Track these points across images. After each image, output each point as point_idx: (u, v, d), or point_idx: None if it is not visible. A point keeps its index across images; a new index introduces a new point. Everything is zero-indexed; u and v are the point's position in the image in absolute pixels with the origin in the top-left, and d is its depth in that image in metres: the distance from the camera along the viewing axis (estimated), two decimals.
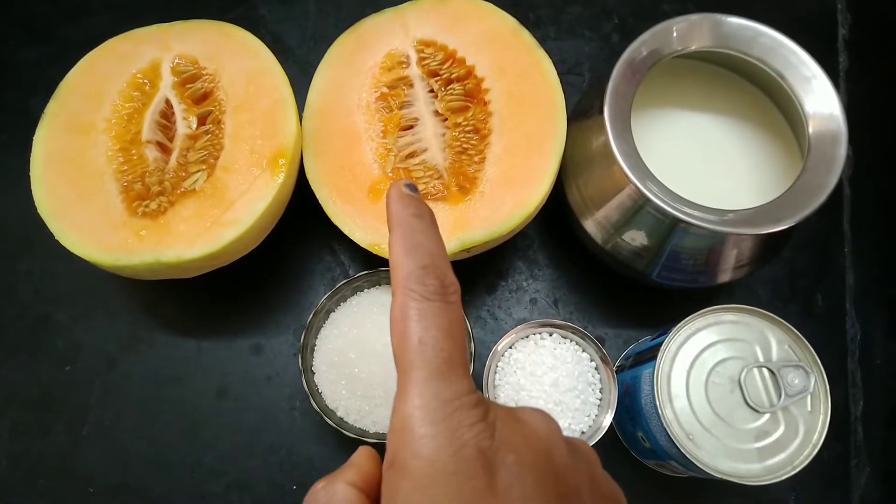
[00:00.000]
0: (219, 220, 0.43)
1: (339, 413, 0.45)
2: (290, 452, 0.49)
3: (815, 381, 0.40)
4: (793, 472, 0.39)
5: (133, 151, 0.47)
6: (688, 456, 0.39)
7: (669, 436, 0.39)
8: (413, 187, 0.30)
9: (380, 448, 0.47)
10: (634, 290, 0.53)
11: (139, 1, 0.61)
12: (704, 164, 0.48)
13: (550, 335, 0.45)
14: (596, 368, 0.45)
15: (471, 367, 0.45)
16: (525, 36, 0.47)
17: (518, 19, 0.48)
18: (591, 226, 0.47)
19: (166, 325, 0.52)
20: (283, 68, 0.48)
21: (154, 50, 0.49)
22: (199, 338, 0.52)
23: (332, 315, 0.48)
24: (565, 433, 0.43)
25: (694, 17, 0.44)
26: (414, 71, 0.49)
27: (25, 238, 0.53)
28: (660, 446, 0.42)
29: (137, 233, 0.43)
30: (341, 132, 0.47)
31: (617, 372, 0.49)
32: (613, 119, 0.42)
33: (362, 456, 0.27)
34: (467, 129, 0.47)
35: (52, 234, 0.44)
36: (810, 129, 0.42)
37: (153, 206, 0.44)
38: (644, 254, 0.45)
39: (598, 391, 0.44)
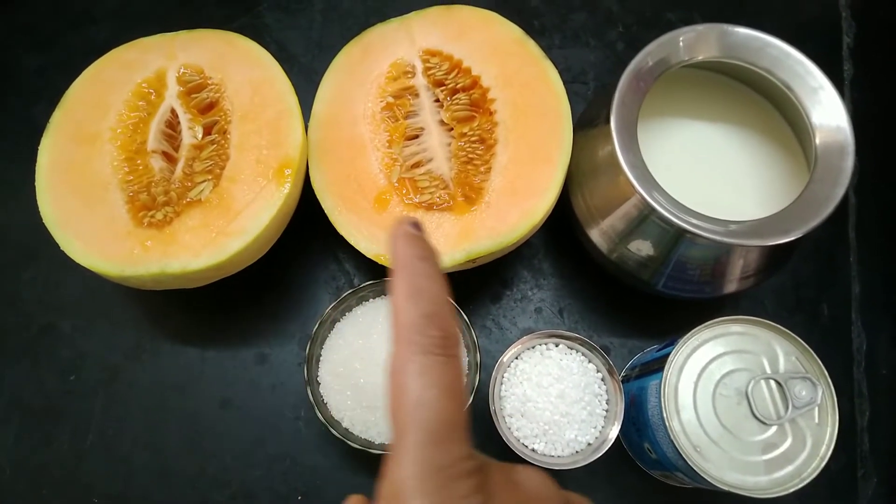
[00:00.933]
0: (224, 231, 0.43)
1: (345, 424, 0.45)
2: (295, 462, 0.49)
3: (822, 392, 0.40)
4: (800, 485, 0.38)
5: (138, 161, 0.46)
6: (695, 468, 0.38)
7: (676, 448, 0.39)
8: (418, 225, 0.29)
9: (384, 457, 0.47)
10: (640, 299, 0.52)
11: (143, 10, 0.61)
12: (711, 175, 0.48)
13: (557, 346, 0.45)
14: (602, 379, 0.44)
15: (476, 378, 0.45)
16: (531, 46, 0.47)
17: (522, 27, 0.48)
18: (597, 235, 0.47)
19: (170, 334, 0.52)
20: (288, 77, 0.48)
21: (159, 59, 0.49)
22: (204, 347, 0.52)
23: (338, 325, 0.48)
24: (571, 445, 0.43)
25: (701, 28, 0.44)
26: (419, 80, 0.49)
27: (30, 247, 0.53)
28: (666, 458, 0.42)
29: (143, 243, 0.43)
30: (347, 142, 0.47)
31: (623, 382, 0.48)
32: (620, 129, 0.42)
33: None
34: (473, 138, 0.47)
35: (56, 243, 0.44)
36: (817, 141, 0.42)
37: (159, 216, 0.44)
38: (650, 264, 0.45)
39: (604, 402, 0.44)
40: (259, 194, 0.44)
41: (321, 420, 0.44)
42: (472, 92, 0.48)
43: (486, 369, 0.48)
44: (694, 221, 0.40)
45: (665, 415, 0.39)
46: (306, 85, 0.50)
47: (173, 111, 0.48)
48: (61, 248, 0.44)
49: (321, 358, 0.47)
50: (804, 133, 0.44)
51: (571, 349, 0.45)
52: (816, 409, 0.40)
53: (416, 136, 0.48)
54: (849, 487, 0.50)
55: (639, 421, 0.44)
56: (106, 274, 0.43)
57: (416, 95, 0.49)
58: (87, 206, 0.45)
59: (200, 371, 0.51)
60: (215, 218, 0.44)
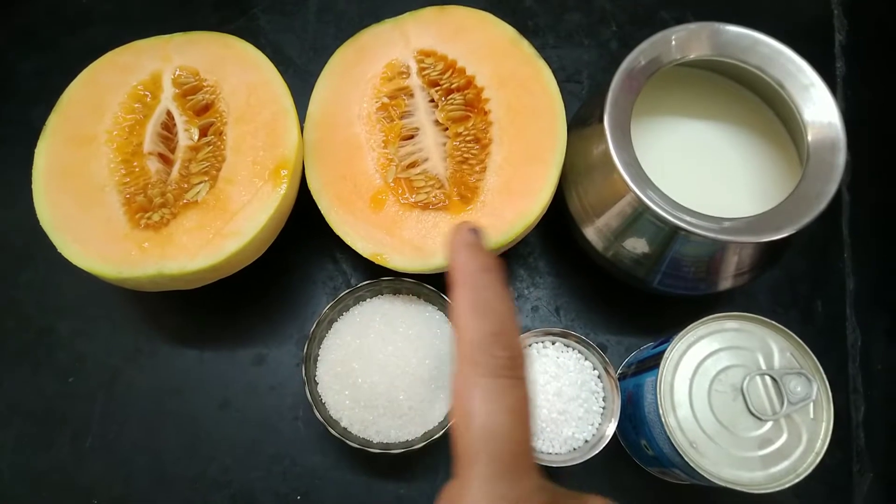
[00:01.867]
0: (221, 232, 0.43)
1: (343, 423, 0.46)
2: (294, 463, 0.49)
3: (817, 388, 0.40)
4: (796, 480, 0.39)
5: (135, 163, 0.47)
6: (691, 464, 0.39)
7: (673, 444, 0.39)
8: (477, 232, 0.27)
9: (383, 457, 0.47)
10: (636, 297, 0.53)
11: (139, 12, 0.61)
12: (704, 172, 0.48)
13: (553, 344, 0.45)
14: (599, 377, 0.45)
15: None
16: (525, 46, 0.48)
17: (517, 27, 0.49)
18: (592, 234, 0.47)
19: (169, 336, 0.52)
20: (284, 79, 0.48)
21: (155, 62, 0.49)
22: (202, 349, 0.52)
23: (335, 325, 0.48)
24: (569, 442, 0.43)
25: (692, 26, 0.44)
26: (414, 81, 0.49)
27: (28, 250, 0.53)
28: (663, 454, 0.42)
29: (140, 245, 0.43)
30: (342, 142, 0.48)
31: (619, 380, 0.49)
32: (613, 128, 0.42)
33: None
34: (468, 138, 0.47)
35: (54, 246, 0.44)
36: (809, 138, 0.43)
37: (155, 217, 0.45)
38: (644, 261, 0.45)
39: (601, 400, 0.44)
40: (255, 195, 0.44)
41: (320, 420, 0.44)
42: (466, 92, 0.48)
43: None
44: (688, 219, 0.41)
45: (661, 411, 0.40)
46: (302, 86, 0.50)
47: (169, 113, 0.48)
48: (58, 251, 0.44)
49: (319, 358, 0.47)
50: (796, 130, 0.44)
51: (568, 347, 0.45)
52: (811, 404, 0.40)
53: (412, 137, 0.48)
54: (844, 483, 0.50)
55: (635, 418, 0.45)
56: (103, 276, 0.43)
57: (411, 96, 0.49)
58: (84, 209, 0.45)
59: (199, 373, 0.51)
60: (212, 219, 0.44)
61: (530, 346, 0.45)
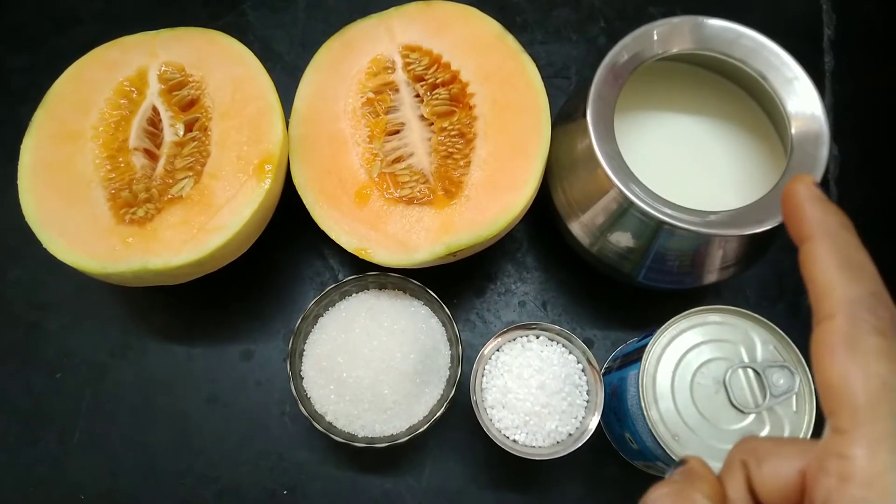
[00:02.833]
0: (205, 227, 0.43)
1: (328, 418, 0.46)
2: (281, 458, 0.50)
3: (799, 381, 0.40)
4: None
5: (120, 159, 0.47)
6: (673, 457, 0.39)
7: (655, 437, 0.39)
8: (822, 187, 0.25)
9: (369, 451, 0.48)
10: (623, 291, 0.53)
11: (128, 9, 0.61)
12: (689, 166, 0.48)
13: (537, 338, 0.45)
14: (583, 370, 0.45)
15: (458, 371, 0.46)
16: (509, 41, 0.48)
17: (505, 23, 0.49)
18: (578, 228, 0.47)
19: (157, 332, 0.52)
20: (272, 74, 0.48)
21: (141, 57, 0.49)
22: (190, 344, 0.52)
23: (321, 320, 0.48)
24: (552, 435, 0.43)
25: (675, 20, 0.44)
26: (400, 76, 0.49)
27: (15, 246, 0.54)
28: (646, 447, 0.42)
29: (125, 240, 0.44)
30: (328, 138, 0.48)
31: (605, 374, 0.49)
32: (596, 122, 0.42)
33: (706, 469, 0.24)
34: (453, 133, 0.47)
35: (41, 242, 0.44)
36: (793, 130, 0.43)
37: (140, 213, 0.45)
38: (630, 256, 0.45)
39: (584, 393, 0.44)
40: (240, 190, 0.44)
41: (305, 415, 0.45)
42: (451, 87, 0.48)
43: (470, 362, 0.48)
44: (671, 213, 0.41)
45: (643, 404, 0.40)
46: (290, 82, 0.50)
47: (155, 109, 0.48)
48: (44, 247, 0.44)
49: (304, 353, 0.47)
50: (780, 123, 0.44)
51: (552, 341, 0.45)
52: (794, 397, 0.40)
53: (397, 132, 0.48)
54: None
55: (619, 411, 0.45)
56: (88, 271, 0.43)
57: (397, 91, 0.49)
58: (70, 205, 0.45)
59: (187, 368, 0.52)
60: (196, 214, 0.44)
61: (514, 340, 0.45)
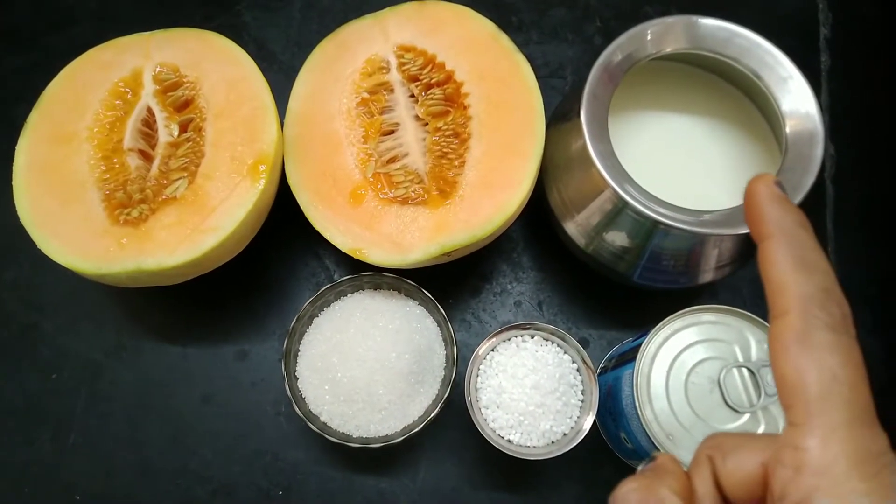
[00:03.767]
0: (199, 228, 0.43)
1: (323, 418, 0.46)
2: (276, 458, 0.50)
3: None
4: None
5: (115, 160, 0.47)
6: None
7: (649, 436, 0.39)
8: (782, 186, 0.26)
9: (364, 451, 0.48)
10: (618, 291, 0.53)
11: (123, 10, 0.61)
12: (684, 165, 0.48)
13: (532, 338, 0.45)
14: (578, 370, 0.45)
15: (453, 371, 0.46)
16: (504, 40, 0.48)
17: (501, 23, 0.49)
18: (573, 228, 0.47)
19: (152, 332, 0.52)
20: (268, 75, 0.48)
21: (135, 58, 0.49)
22: (185, 344, 0.52)
23: (316, 320, 0.48)
24: (547, 435, 0.43)
25: (669, 20, 0.44)
26: (394, 76, 0.49)
27: (10, 247, 0.54)
28: (641, 447, 0.42)
29: (119, 241, 0.44)
30: (322, 138, 0.48)
31: (600, 373, 0.49)
32: (590, 122, 0.42)
33: (673, 463, 0.25)
34: (447, 133, 0.47)
35: (35, 243, 0.44)
36: (787, 129, 0.43)
37: (135, 213, 0.45)
38: (625, 256, 0.45)
39: (579, 393, 0.44)
40: (234, 191, 0.44)
41: (299, 415, 0.44)
42: (446, 87, 0.48)
43: (465, 362, 0.48)
44: (666, 212, 0.41)
45: (638, 404, 0.40)
46: (285, 81, 0.50)
47: (149, 109, 0.48)
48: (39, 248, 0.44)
49: (299, 353, 0.47)
50: (775, 122, 0.44)
51: (547, 340, 0.45)
52: None
53: (392, 132, 0.48)
54: None
55: (615, 411, 0.45)
56: (83, 272, 0.43)
57: (391, 91, 0.49)
58: (64, 205, 0.45)
59: (182, 368, 0.52)
60: (190, 215, 0.44)
61: (509, 340, 0.45)
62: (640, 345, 0.42)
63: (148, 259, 0.43)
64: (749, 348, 0.41)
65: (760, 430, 0.40)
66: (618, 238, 0.44)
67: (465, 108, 0.47)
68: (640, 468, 0.26)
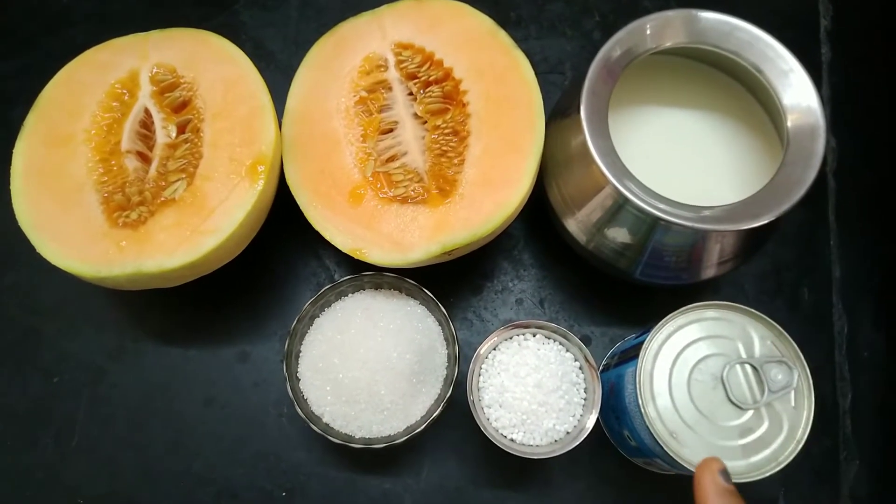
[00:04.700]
0: (199, 229, 0.43)
1: (325, 419, 0.45)
2: (279, 459, 0.49)
3: (798, 376, 0.40)
4: (777, 469, 0.38)
5: (113, 162, 0.47)
6: (671, 454, 0.39)
7: (652, 434, 0.39)
8: (727, 474, 0.30)
9: (367, 452, 0.47)
10: (620, 288, 0.52)
11: (119, 11, 0.61)
12: (685, 161, 0.48)
13: (534, 336, 0.45)
14: (580, 368, 0.44)
15: (455, 370, 0.45)
16: (502, 37, 0.47)
17: (499, 18, 0.48)
18: (573, 225, 0.47)
19: (153, 334, 0.52)
20: (266, 74, 0.48)
21: (132, 59, 0.49)
22: (186, 346, 0.52)
23: (317, 321, 0.48)
24: (550, 434, 0.43)
25: (669, 14, 0.43)
26: (392, 74, 0.49)
27: (10, 251, 0.53)
28: (645, 444, 0.42)
29: (118, 243, 0.43)
30: (321, 137, 0.47)
31: (603, 371, 0.49)
32: (590, 118, 0.42)
33: None
34: (446, 131, 0.47)
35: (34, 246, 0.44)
36: (789, 123, 0.42)
37: (133, 216, 0.44)
38: (626, 252, 0.45)
39: (582, 391, 0.44)
40: (233, 192, 0.44)
41: (301, 416, 0.44)
42: (444, 84, 0.48)
43: (467, 361, 0.48)
44: (667, 208, 0.40)
45: (640, 401, 0.40)
46: (283, 81, 0.50)
47: (147, 111, 0.48)
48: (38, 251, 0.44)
49: (300, 354, 0.47)
50: (776, 116, 0.44)
51: (549, 339, 0.45)
52: (793, 392, 0.40)
53: (391, 130, 0.48)
54: (831, 470, 0.50)
55: (618, 409, 0.44)
56: (82, 275, 0.43)
57: (390, 89, 0.49)
58: (63, 209, 0.45)
59: (183, 370, 0.51)
60: (189, 216, 0.44)
61: (511, 338, 0.45)
62: (642, 342, 0.41)
63: (147, 261, 0.43)
64: (752, 344, 0.41)
65: (763, 426, 0.39)
66: (619, 235, 0.44)
67: (463, 105, 0.47)
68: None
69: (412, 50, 0.49)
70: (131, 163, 0.47)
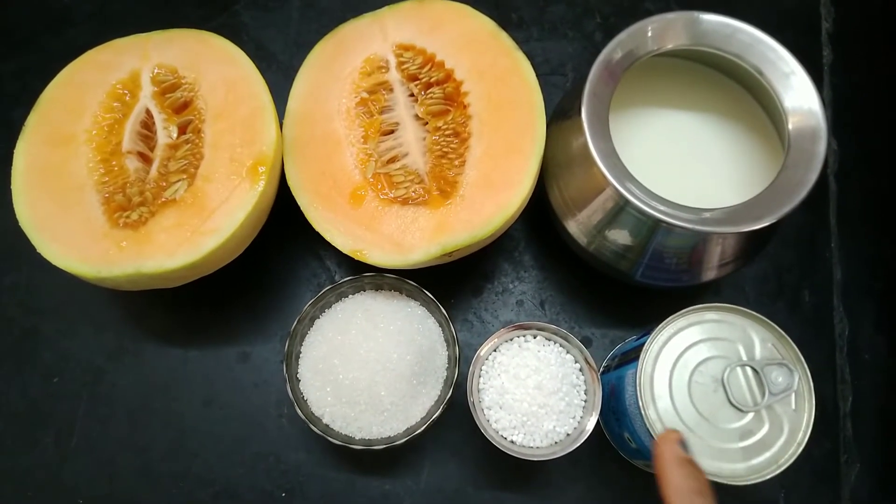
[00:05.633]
0: (199, 230, 0.43)
1: (325, 420, 0.45)
2: (278, 460, 0.49)
3: (798, 379, 0.40)
4: (777, 472, 0.38)
5: (114, 162, 0.47)
6: None
7: (653, 436, 0.39)
8: (685, 444, 0.32)
9: (367, 453, 0.47)
10: (621, 289, 0.52)
11: (121, 11, 0.61)
12: (686, 163, 0.48)
13: (534, 337, 0.45)
14: (580, 370, 0.44)
15: (456, 371, 0.45)
16: (503, 38, 0.47)
17: (500, 20, 0.48)
18: (574, 227, 0.47)
19: (153, 335, 0.52)
20: (267, 75, 0.48)
21: (134, 60, 0.49)
22: (186, 347, 0.52)
23: (317, 322, 0.48)
24: (550, 436, 0.43)
25: (670, 16, 0.43)
26: (393, 75, 0.49)
27: (10, 251, 0.53)
28: (645, 447, 0.42)
29: (118, 244, 0.43)
30: (322, 138, 0.47)
31: (603, 373, 0.49)
32: (591, 120, 0.42)
33: None
34: (447, 132, 0.47)
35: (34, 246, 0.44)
36: (790, 126, 0.42)
37: (134, 216, 0.44)
38: (627, 254, 0.45)
39: (582, 393, 0.44)
40: (233, 192, 0.44)
41: (301, 417, 0.44)
42: (445, 86, 0.48)
43: (467, 363, 0.48)
44: (668, 210, 0.40)
45: (641, 403, 0.39)
46: (284, 81, 0.50)
47: (148, 111, 0.48)
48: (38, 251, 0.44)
49: (301, 355, 0.47)
50: (778, 118, 0.44)
51: (549, 340, 0.45)
52: (793, 395, 0.40)
53: (392, 132, 0.48)
54: (832, 473, 0.50)
55: (618, 411, 0.44)
56: (82, 275, 0.43)
57: (391, 90, 0.49)
58: (63, 209, 0.45)
59: (183, 371, 0.51)
60: (190, 217, 0.44)
61: (511, 340, 0.45)
62: (643, 344, 0.41)
63: (148, 262, 0.43)
64: (753, 347, 0.41)
65: (764, 429, 0.39)
66: (619, 236, 0.44)
67: (464, 106, 0.47)
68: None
69: (413, 51, 0.49)
70: (132, 163, 0.47)
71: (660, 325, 0.41)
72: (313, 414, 0.45)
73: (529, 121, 0.45)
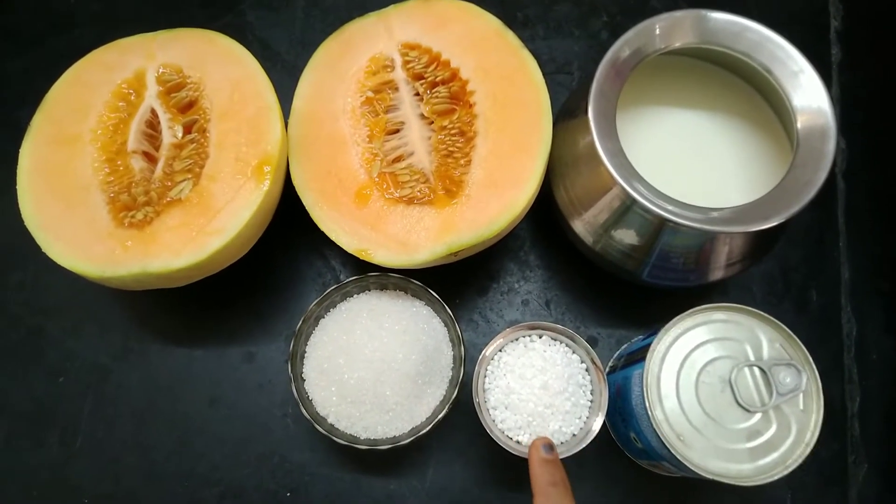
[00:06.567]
0: (204, 230, 0.43)
1: (330, 420, 0.45)
2: (283, 459, 0.49)
3: (806, 379, 0.39)
4: (785, 472, 0.38)
5: (119, 162, 0.46)
6: (678, 457, 0.38)
7: (659, 437, 0.39)
8: (551, 447, 0.39)
9: (372, 453, 0.47)
10: (627, 289, 0.52)
11: (126, 11, 0.61)
12: (693, 162, 0.47)
13: (540, 337, 0.45)
14: (587, 370, 0.44)
15: (461, 371, 0.45)
16: (510, 37, 0.47)
17: (506, 18, 0.48)
18: (580, 226, 0.47)
19: (158, 334, 0.52)
20: (272, 74, 0.48)
21: (139, 59, 0.49)
22: (191, 347, 0.52)
23: (322, 321, 0.48)
24: (556, 436, 0.43)
25: (678, 14, 0.43)
26: (399, 74, 0.48)
27: (17, 250, 0.53)
28: (651, 447, 0.42)
29: (123, 244, 0.43)
30: (327, 138, 0.47)
31: (610, 373, 0.48)
32: (598, 119, 0.42)
33: None
34: (453, 131, 0.47)
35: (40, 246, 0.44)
36: (799, 124, 0.42)
37: (139, 216, 0.44)
38: (634, 254, 0.45)
39: (588, 393, 0.44)
40: (238, 192, 0.44)
41: (306, 417, 0.44)
42: (451, 85, 0.47)
43: (473, 363, 0.47)
44: (675, 210, 0.40)
45: (648, 404, 0.39)
46: (289, 81, 0.50)
47: (153, 111, 0.48)
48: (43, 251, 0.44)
49: (305, 354, 0.47)
50: (786, 117, 0.44)
51: (555, 340, 0.45)
52: (801, 395, 0.39)
53: (397, 131, 0.48)
54: (840, 474, 0.50)
55: (624, 411, 0.44)
56: (87, 275, 0.43)
57: (396, 89, 0.48)
58: (69, 208, 0.45)
59: (188, 371, 0.51)
60: (195, 217, 0.43)
61: (517, 340, 0.45)
62: (649, 344, 0.41)
63: (153, 262, 0.43)
64: (760, 347, 0.40)
65: (772, 429, 0.39)
66: (626, 236, 0.44)
67: (470, 105, 0.47)
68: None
69: (419, 50, 0.48)
70: (137, 163, 0.47)
71: (667, 325, 0.41)
72: (318, 414, 0.45)
73: (535, 120, 0.45)
